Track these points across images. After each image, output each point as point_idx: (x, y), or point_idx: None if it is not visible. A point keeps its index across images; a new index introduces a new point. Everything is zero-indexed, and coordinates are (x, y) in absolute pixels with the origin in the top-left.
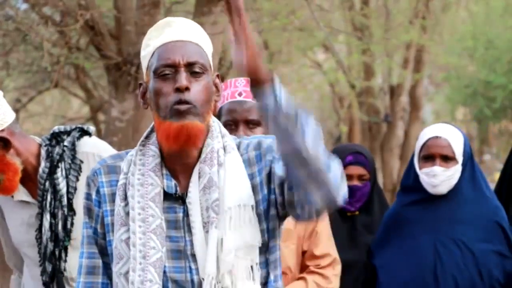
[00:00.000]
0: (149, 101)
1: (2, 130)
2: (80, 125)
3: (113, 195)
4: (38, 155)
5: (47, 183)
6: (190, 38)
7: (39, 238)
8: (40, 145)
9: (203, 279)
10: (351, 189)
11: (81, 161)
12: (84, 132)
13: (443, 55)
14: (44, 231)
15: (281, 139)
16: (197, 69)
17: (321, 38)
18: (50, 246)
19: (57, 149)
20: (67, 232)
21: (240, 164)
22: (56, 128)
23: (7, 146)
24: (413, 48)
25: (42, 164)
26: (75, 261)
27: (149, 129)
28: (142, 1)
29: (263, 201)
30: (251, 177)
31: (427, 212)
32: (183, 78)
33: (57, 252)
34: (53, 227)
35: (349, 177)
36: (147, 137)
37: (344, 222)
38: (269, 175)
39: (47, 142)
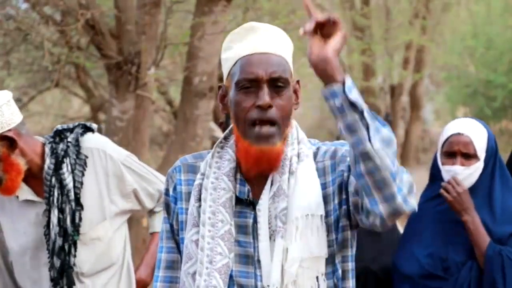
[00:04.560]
0: (228, 108)
1: (9, 130)
2: (82, 122)
3: (189, 193)
4: (42, 154)
5: (53, 179)
6: (274, 50)
7: (47, 234)
8: (43, 144)
9: (268, 286)
10: None
11: (86, 156)
12: (87, 129)
13: (444, 55)
14: (52, 226)
15: (349, 135)
16: (279, 84)
17: None
18: (59, 241)
19: (61, 146)
20: (76, 227)
21: (312, 173)
22: (59, 126)
23: (12, 146)
24: (414, 48)
25: (47, 161)
26: (85, 256)
27: (227, 130)
28: (143, 0)
29: (334, 211)
30: (324, 186)
31: (447, 204)
32: (265, 95)
33: (66, 247)
34: (61, 222)
35: None
36: (226, 138)
37: None
38: (341, 186)
39: (51, 139)
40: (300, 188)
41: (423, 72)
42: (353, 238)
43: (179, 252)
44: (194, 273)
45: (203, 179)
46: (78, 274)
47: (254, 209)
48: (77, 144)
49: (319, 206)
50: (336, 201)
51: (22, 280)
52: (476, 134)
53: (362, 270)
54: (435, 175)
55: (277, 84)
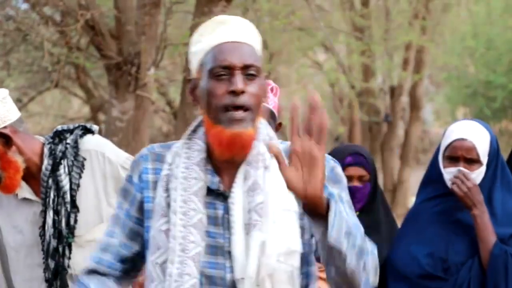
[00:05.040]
0: (199, 99)
1: (5, 127)
2: (83, 124)
3: (155, 182)
4: (42, 154)
5: (50, 180)
6: (245, 40)
7: (42, 235)
8: (43, 144)
9: (242, 278)
10: (351, 190)
11: (84, 158)
12: (87, 130)
13: (443, 55)
14: (47, 228)
15: (326, 257)
16: (252, 72)
17: (321, 38)
18: (53, 243)
19: (60, 147)
20: (71, 229)
21: None
22: (59, 127)
23: (8, 143)
24: (413, 48)
25: (45, 161)
26: (80, 258)
27: (196, 123)
28: (143, 1)
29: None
30: None
31: (447, 205)
32: (239, 81)
33: (60, 249)
34: (56, 224)
35: (349, 178)
36: (194, 130)
37: None
38: None
39: (50, 140)
40: (276, 184)
41: (422, 73)
42: None
43: (130, 241)
44: (163, 263)
45: (170, 169)
46: (72, 276)
47: (224, 200)
48: (76, 146)
49: (294, 203)
50: None
51: (14, 277)
52: (480, 139)
53: None
54: (434, 176)
55: (249, 71)
